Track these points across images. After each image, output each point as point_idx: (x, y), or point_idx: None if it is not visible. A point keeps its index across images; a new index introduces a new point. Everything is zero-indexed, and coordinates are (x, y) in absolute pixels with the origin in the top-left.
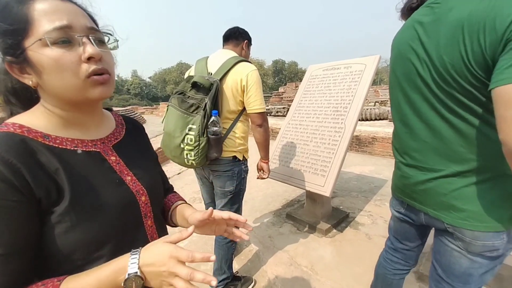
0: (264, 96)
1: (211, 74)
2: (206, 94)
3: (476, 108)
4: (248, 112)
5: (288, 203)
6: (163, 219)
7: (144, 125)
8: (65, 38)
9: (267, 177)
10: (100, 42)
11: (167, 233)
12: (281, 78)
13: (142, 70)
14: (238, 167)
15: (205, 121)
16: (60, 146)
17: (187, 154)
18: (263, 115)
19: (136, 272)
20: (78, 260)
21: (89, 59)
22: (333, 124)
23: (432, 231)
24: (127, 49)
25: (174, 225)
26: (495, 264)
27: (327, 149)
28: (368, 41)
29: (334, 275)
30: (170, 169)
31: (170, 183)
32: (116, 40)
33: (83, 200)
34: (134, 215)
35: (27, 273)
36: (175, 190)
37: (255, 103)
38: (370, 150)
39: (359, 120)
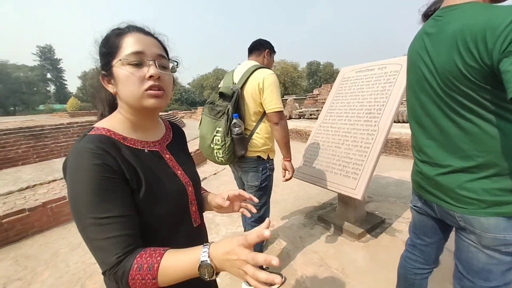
0: (298, 99)
1: (235, 83)
2: (230, 101)
3: (475, 108)
4: (266, 112)
5: (320, 206)
6: (202, 205)
7: (183, 128)
8: (137, 61)
9: (291, 177)
10: (163, 67)
11: (203, 218)
12: (316, 80)
13: (182, 77)
14: (263, 164)
15: (228, 123)
16: (133, 146)
17: (216, 153)
18: (280, 114)
19: (206, 261)
20: (144, 235)
21: (150, 77)
22: (366, 127)
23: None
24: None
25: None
26: None
27: (359, 151)
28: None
29: (366, 279)
30: (207, 169)
31: (207, 182)
32: (177, 66)
33: (153, 188)
34: (184, 201)
35: (138, 234)
36: (211, 188)
37: (271, 103)
38: (411, 154)
39: (399, 122)
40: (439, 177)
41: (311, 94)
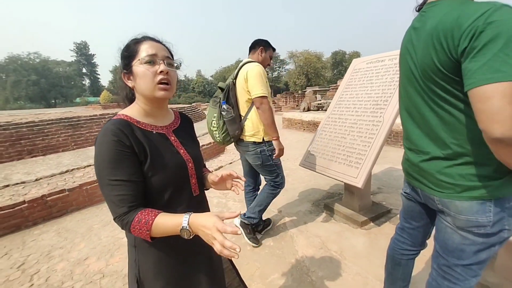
0: (321, 90)
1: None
2: (226, 92)
3: (450, 99)
4: (252, 98)
5: (328, 195)
6: (202, 180)
7: (205, 120)
8: (151, 60)
9: (277, 154)
10: (170, 65)
11: (203, 190)
12: (341, 70)
13: (205, 69)
14: (260, 147)
15: (219, 109)
16: (144, 128)
17: (215, 133)
18: (261, 99)
19: (186, 227)
20: (152, 196)
21: (161, 72)
22: (372, 118)
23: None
24: (192, 53)
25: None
26: (489, 243)
27: (363, 142)
28: None
29: (362, 262)
30: (223, 159)
31: (223, 170)
32: (180, 65)
33: (157, 160)
34: (184, 173)
35: (141, 193)
36: None
37: (253, 89)
38: None
39: None
40: (422, 163)
41: (335, 85)
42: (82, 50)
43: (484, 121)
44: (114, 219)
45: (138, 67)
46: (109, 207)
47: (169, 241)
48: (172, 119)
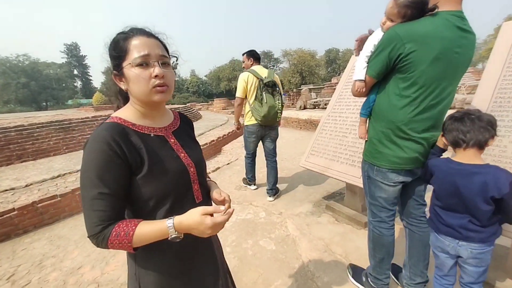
0: (315, 88)
1: (265, 77)
2: (276, 87)
3: None
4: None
5: (329, 195)
6: (206, 186)
7: (200, 120)
8: (144, 62)
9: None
10: (166, 65)
11: (209, 196)
12: (335, 68)
13: (199, 69)
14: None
15: (282, 98)
16: (141, 131)
17: (279, 115)
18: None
19: (175, 234)
20: (152, 205)
21: (156, 76)
22: None
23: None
24: (187, 53)
25: None
26: None
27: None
28: None
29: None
30: (220, 159)
31: (220, 171)
32: (177, 61)
33: (155, 167)
34: (186, 180)
35: (121, 209)
36: (224, 177)
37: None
38: None
39: None
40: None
41: (329, 83)
42: (73, 51)
43: None
44: (88, 236)
45: (130, 70)
46: (85, 222)
47: (170, 252)
48: (171, 120)
